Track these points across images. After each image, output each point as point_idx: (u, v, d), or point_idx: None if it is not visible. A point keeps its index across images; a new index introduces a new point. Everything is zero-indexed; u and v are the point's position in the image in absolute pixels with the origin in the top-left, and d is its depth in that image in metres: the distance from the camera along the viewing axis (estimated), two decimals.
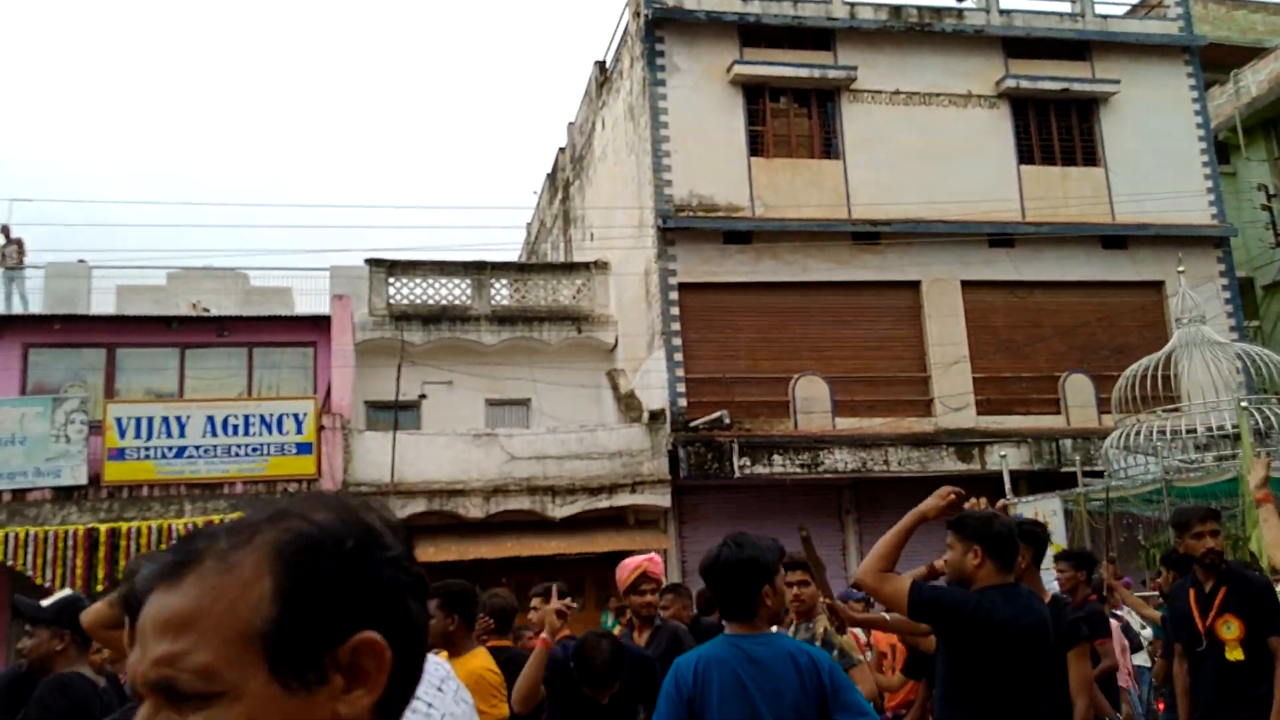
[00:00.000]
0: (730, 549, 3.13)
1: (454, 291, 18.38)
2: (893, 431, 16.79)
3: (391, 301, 17.89)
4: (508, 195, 69.25)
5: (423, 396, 17.60)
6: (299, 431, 15.19)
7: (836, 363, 17.11)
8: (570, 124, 24.04)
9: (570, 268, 19.95)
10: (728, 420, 16.12)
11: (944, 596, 3.57)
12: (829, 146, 18.12)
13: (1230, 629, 5.29)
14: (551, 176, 25.85)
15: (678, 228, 16.96)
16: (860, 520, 16.89)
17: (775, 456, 16.10)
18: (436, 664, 2.80)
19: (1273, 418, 12.60)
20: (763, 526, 16.58)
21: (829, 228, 17.34)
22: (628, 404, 17.20)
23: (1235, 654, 5.23)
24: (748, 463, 15.93)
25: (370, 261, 17.97)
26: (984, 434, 16.93)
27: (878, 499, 17.10)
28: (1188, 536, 5.51)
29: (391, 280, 18.01)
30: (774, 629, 3.57)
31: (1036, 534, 4.96)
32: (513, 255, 30.20)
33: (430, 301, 18.21)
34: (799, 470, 16.17)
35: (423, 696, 2.59)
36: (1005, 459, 15.25)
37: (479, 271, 18.55)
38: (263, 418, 15.19)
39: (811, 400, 16.80)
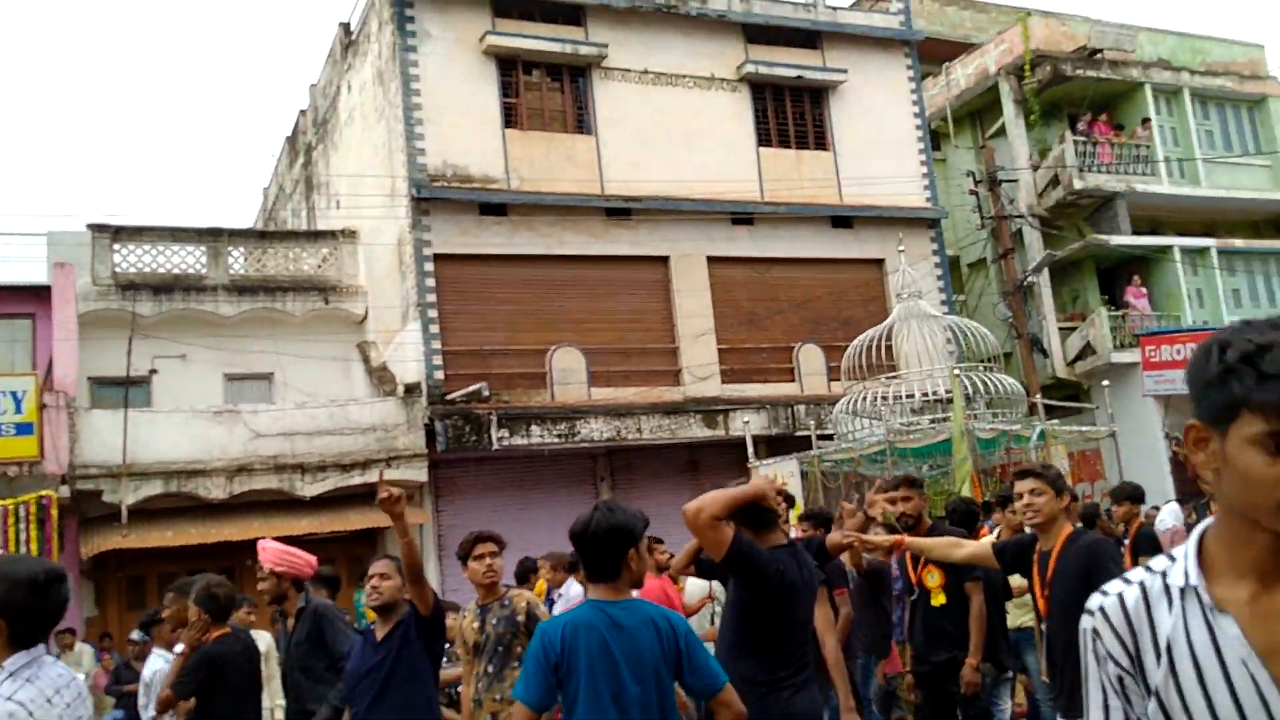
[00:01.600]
0: (603, 513, 3.27)
1: (187, 260, 17.37)
2: (645, 401, 17.38)
3: (118, 270, 16.70)
4: (244, 158, 65.51)
5: (153, 371, 16.58)
6: (18, 411, 13.96)
7: (592, 334, 17.51)
8: (312, 86, 23.11)
9: (315, 236, 19.28)
10: (486, 392, 16.18)
11: (757, 553, 3.82)
12: (582, 122, 18.40)
13: (933, 578, 5.97)
14: (292, 140, 24.77)
15: (432, 198, 16.75)
16: (615, 487, 17.41)
17: (533, 427, 16.33)
18: (61, 674, 2.81)
19: (979, 383, 13.98)
20: (522, 497, 16.86)
21: (583, 202, 17.64)
22: (380, 377, 16.90)
23: (939, 599, 5.92)
24: (506, 434, 16.07)
25: (93, 227, 16.68)
26: (728, 401, 17.83)
27: (630, 465, 17.70)
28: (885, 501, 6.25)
29: (117, 247, 16.81)
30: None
31: (788, 494, 5.41)
32: (248, 222, 28.77)
33: (161, 270, 17.13)
34: (556, 440, 16.47)
35: (26, 704, 2.62)
36: (747, 425, 16.15)
37: (214, 238, 17.61)
38: None
39: (568, 371, 17.12)
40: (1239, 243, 22.83)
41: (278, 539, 14.85)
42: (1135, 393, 18.96)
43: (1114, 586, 1.60)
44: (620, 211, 18.03)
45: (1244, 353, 1.43)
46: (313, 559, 5.70)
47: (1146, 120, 22.28)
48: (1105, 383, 16.21)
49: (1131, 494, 8.91)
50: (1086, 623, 1.61)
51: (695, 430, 17.45)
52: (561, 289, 17.60)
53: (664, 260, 18.34)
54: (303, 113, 23.81)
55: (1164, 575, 1.56)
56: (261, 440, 15.26)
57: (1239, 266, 22.77)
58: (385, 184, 17.60)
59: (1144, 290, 21.44)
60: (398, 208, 17.19)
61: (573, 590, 7.69)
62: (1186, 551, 1.55)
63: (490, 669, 4.86)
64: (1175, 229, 22.70)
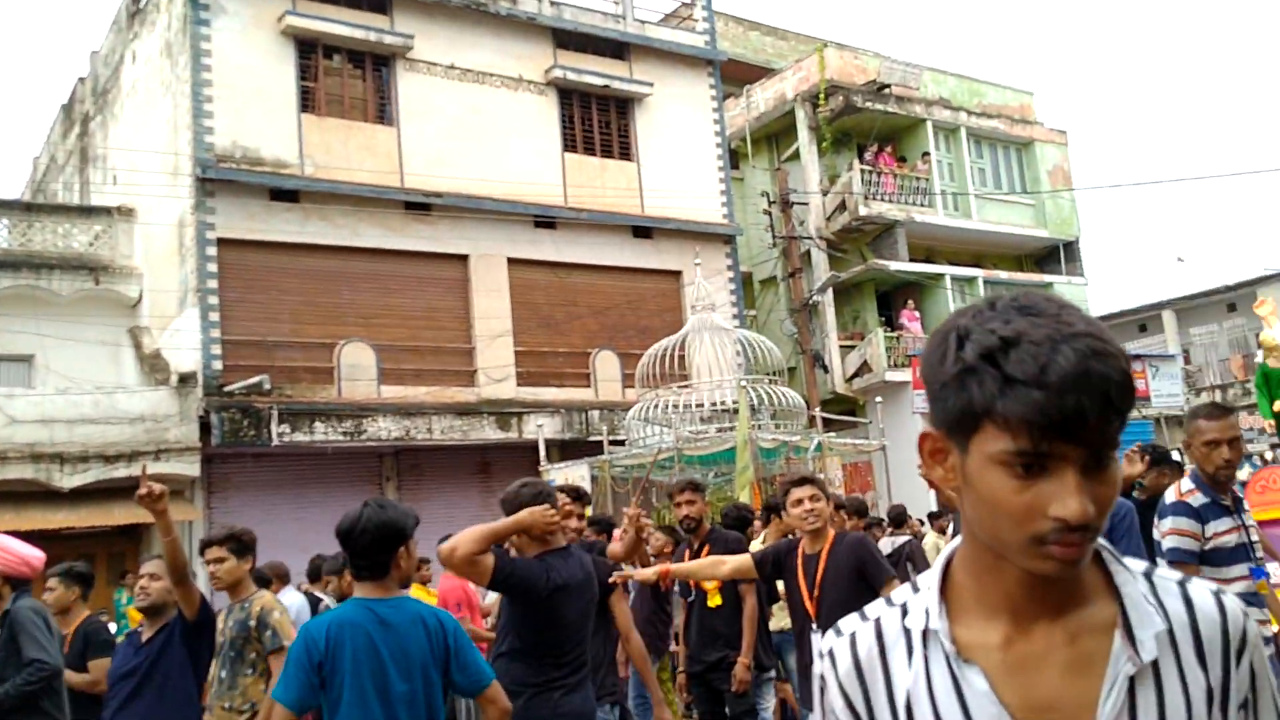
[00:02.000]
0: (373, 510, 3.22)
1: None
2: (437, 400, 17.11)
3: None
4: (13, 124, 60.42)
5: None
6: None
7: (384, 330, 17.09)
8: (94, 53, 21.63)
9: (87, 211, 18.06)
10: (268, 385, 15.52)
11: (520, 571, 3.86)
12: (383, 112, 17.97)
13: (710, 580, 6.18)
14: (68, 108, 23.08)
15: (219, 179, 15.95)
16: (400, 487, 17.05)
17: (317, 424, 15.78)
18: None
19: (764, 395, 14.51)
20: (302, 496, 16.25)
21: (381, 194, 17.22)
22: (153, 365, 15.95)
23: (715, 600, 6.13)
24: (287, 430, 15.46)
25: None
26: (523, 404, 17.79)
27: (419, 466, 17.38)
28: (672, 504, 6.45)
29: None
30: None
31: (581, 492, 5.37)
32: (14, 193, 26.61)
33: None
34: (342, 438, 15.98)
35: None
36: (541, 428, 16.19)
37: None
38: None
39: (357, 368, 16.65)
40: (1003, 274, 24.62)
41: (32, 532, 13.82)
42: (906, 410, 20.10)
43: (848, 624, 1.30)
44: (420, 206, 17.71)
45: (985, 348, 1.13)
46: (35, 557, 5.07)
47: (926, 154, 23.72)
48: (879, 399, 17.12)
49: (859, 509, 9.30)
50: (816, 667, 1.32)
51: (488, 432, 17.32)
52: (354, 282, 17.11)
53: (464, 259, 18.14)
54: (81, 80, 22.24)
55: (902, 611, 1.25)
56: (17, 426, 14.13)
57: None
58: (168, 162, 16.64)
59: (917, 314, 22.79)
60: (180, 187, 16.29)
61: (288, 599, 7.49)
62: (929, 583, 1.25)
63: (223, 674, 4.58)
64: (947, 258, 24.25)
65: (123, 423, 14.71)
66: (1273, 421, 10.78)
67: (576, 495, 5.60)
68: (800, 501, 4.80)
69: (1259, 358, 11.30)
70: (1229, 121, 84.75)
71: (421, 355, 17.51)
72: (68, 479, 14.25)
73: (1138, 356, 22.82)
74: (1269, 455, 9.92)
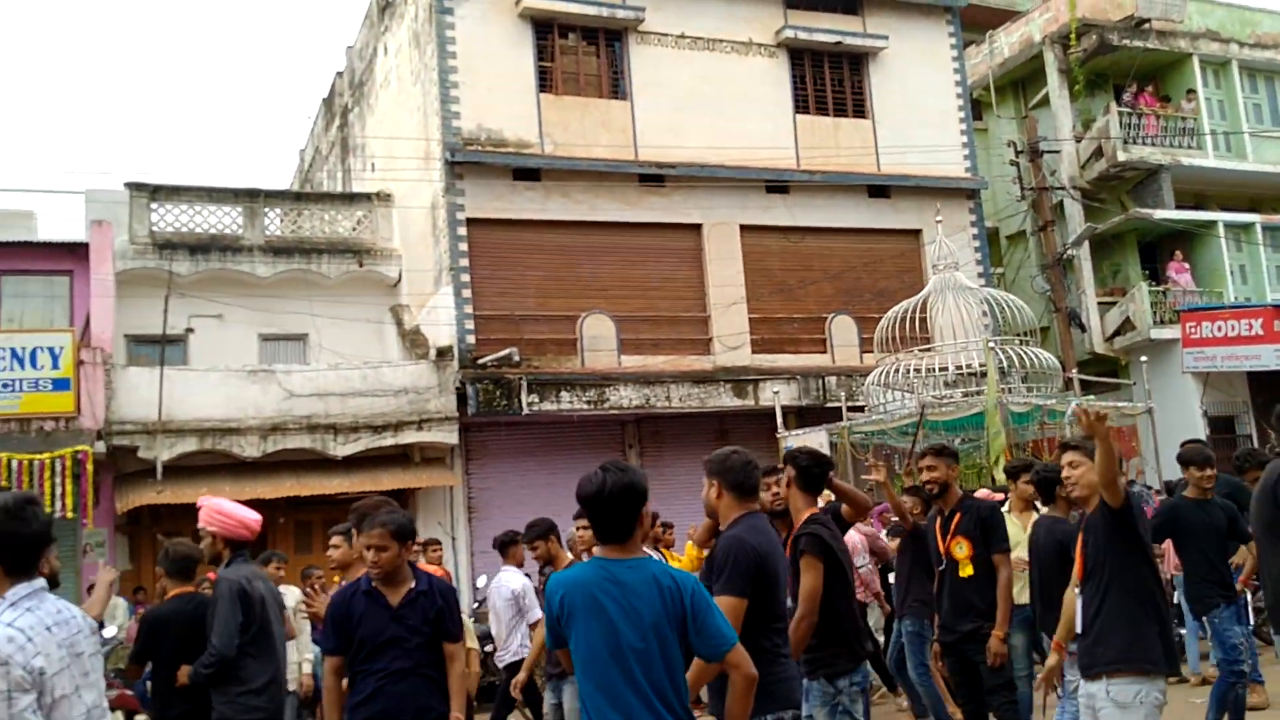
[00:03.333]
0: (615, 474, 3.28)
1: (224, 220, 17.45)
2: (675, 369, 17.34)
3: (155, 229, 16.81)
4: (280, 120, 65.82)
5: (189, 330, 16.74)
6: (55, 366, 14.15)
7: (622, 302, 17.47)
8: (349, 48, 23.10)
9: (350, 198, 19.31)
10: (517, 358, 16.21)
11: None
12: (617, 87, 18.27)
13: (961, 549, 5.95)
14: (328, 102, 24.81)
15: (466, 161, 16.72)
16: (643, 454, 17.42)
17: (563, 393, 16.34)
18: (62, 609, 2.96)
19: (1014, 356, 13.82)
20: (550, 462, 16.92)
21: (616, 168, 17.54)
22: (413, 340, 16.96)
23: (966, 570, 5.90)
24: (536, 399, 16.10)
25: (131, 185, 16.79)
26: (758, 371, 17.76)
27: (659, 433, 17.69)
28: (917, 471, 6.23)
29: (155, 206, 16.92)
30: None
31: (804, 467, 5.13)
32: (285, 183, 28.90)
33: (198, 230, 17.23)
34: (586, 407, 16.49)
35: (25, 630, 2.79)
36: (778, 395, 16.08)
37: (251, 199, 17.68)
38: (14, 351, 14.05)
39: (598, 338, 17.11)
40: None
41: (311, 498, 15.05)
42: (1174, 369, 18.69)
43: None
44: (654, 178, 17.92)
45: None
46: (253, 519, 5.35)
47: (1192, 92, 21.80)
48: (1144, 359, 15.98)
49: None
50: None
51: (725, 399, 17.40)
52: (593, 255, 17.55)
53: (697, 228, 18.23)
54: (339, 75, 23.83)
55: None
56: (295, 400, 15.39)
57: None
58: (420, 147, 17.59)
59: (1186, 266, 21.07)
60: (432, 171, 17.18)
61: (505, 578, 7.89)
62: None
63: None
64: (1219, 204, 22.26)
65: (388, 395, 15.75)
66: None
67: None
68: (1062, 468, 4.56)
69: None
70: None
71: (658, 325, 17.78)
72: (341, 448, 15.41)
73: None
74: None
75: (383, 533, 4.44)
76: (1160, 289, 20.46)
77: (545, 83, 17.69)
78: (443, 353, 16.16)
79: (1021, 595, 6.73)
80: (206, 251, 16.93)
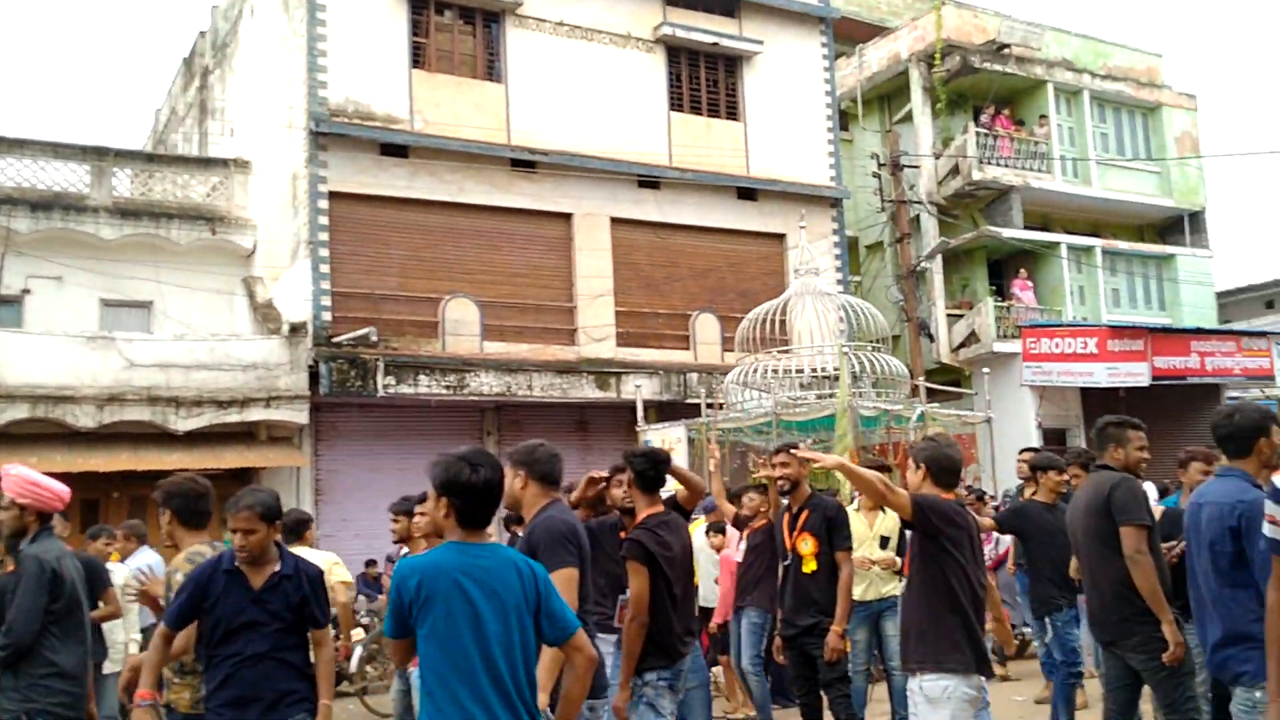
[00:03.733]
0: (488, 463, 3.31)
1: (69, 177, 16.57)
2: (538, 358, 17.25)
3: None
4: (136, 77, 62.62)
5: (26, 291, 15.85)
6: None
7: (487, 287, 17.27)
8: (214, 7, 22.17)
9: (206, 163, 18.57)
10: (375, 338, 15.84)
11: None
12: (492, 69, 18.03)
13: (807, 545, 6.10)
14: (188, 62, 23.74)
15: (331, 133, 16.24)
16: (501, 441, 17.26)
17: (421, 377, 16.06)
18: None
19: (866, 362, 14.24)
20: (404, 446, 16.62)
21: (487, 150, 17.32)
22: (265, 314, 16.40)
23: (810, 566, 6.05)
24: (393, 382, 15.77)
25: None
26: (621, 365, 17.82)
27: (518, 422, 17.57)
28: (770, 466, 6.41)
29: None
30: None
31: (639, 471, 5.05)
32: (137, 144, 27.57)
33: (40, 186, 16.31)
34: (445, 391, 16.24)
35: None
36: (639, 389, 16.17)
37: (99, 157, 16.82)
38: None
39: (461, 323, 16.87)
40: (1123, 244, 23.69)
41: (147, 473, 14.38)
42: (1014, 382, 19.57)
43: None
44: (525, 163, 17.77)
45: None
46: (64, 491, 5.04)
47: (1044, 118, 22.86)
48: (986, 370, 16.67)
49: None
50: None
51: (587, 391, 17.41)
52: (459, 238, 17.30)
53: (567, 217, 18.18)
54: (202, 34, 22.84)
55: None
56: (136, 370, 14.69)
57: (1120, 267, 23.64)
58: (284, 115, 17.00)
59: (1030, 284, 22.09)
60: (294, 141, 16.64)
61: (143, 559, 7.47)
62: None
63: None
64: (1064, 226, 23.42)
65: (236, 369, 15.18)
66: None
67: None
68: None
69: None
70: None
71: (523, 312, 17.65)
72: (182, 422, 14.78)
73: (1263, 334, 21.79)
74: None
75: (250, 515, 4.26)
76: (1005, 305, 21.39)
77: (419, 59, 17.33)
78: (296, 329, 15.67)
79: (868, 593, 6.95)
80: (48, 209, 16.04)
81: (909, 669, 4.43)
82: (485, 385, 16.55)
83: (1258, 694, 3.57)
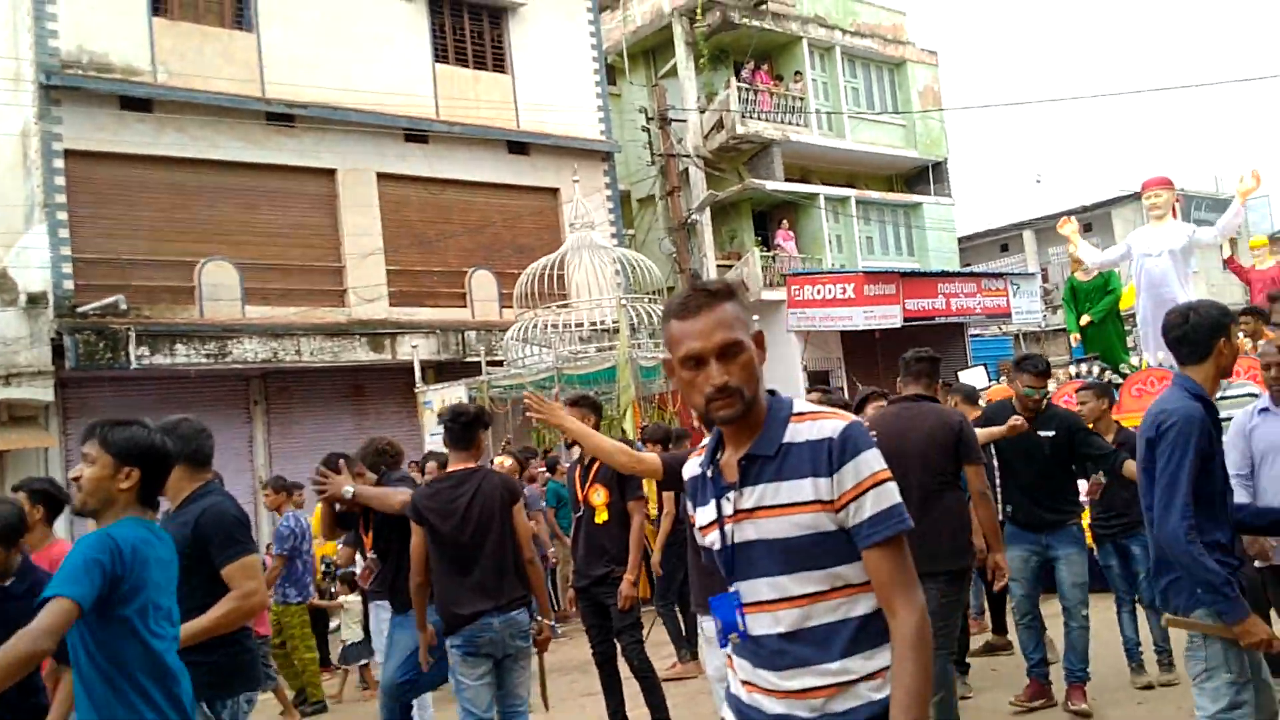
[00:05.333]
0: (173, 438, 3.20)
1: None
2: (305, 321, 16.55)
3: None
4: None
5: None
6: None
7: (248, 248, 16.36)
8: None
9: None
10: (124, 306, 14.73)
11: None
12: (241, 17, 16.96)
13: (599, 496, 6.16)
14: None
15: (64, 86, 14.87)
16: (269, 411, 16.55)
17: (179, 346, 15.09)
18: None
19: (644, 314, 14.50)
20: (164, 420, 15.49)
21: (240, 104, 16.33)
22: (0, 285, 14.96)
23: (601, 516, 6.12)
24: (147, 352, 14.75)
25: None
26: (396, 325, 17.37)
27: (288, 389, 16.87)
28: None
29: None
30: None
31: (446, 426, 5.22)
32: None
33: None
34: (205, 360, 15.34)
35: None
36: (416, 349, 15.88)
37: None
38: None
39: (220, 287, 15.93)
40: (875, 194, 25.05)
41: None
42: (780, 327, 20.39)
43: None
44: (283, 117, 16.90)
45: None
46: None
47: (799, 73, 23.77)
48: (756, 318, 17.21)
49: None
50: None
51: (360, 354, 16.89)
52: (215, 197, 16.28)
53: (330, 173, 17.45)
54: None
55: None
56: None
57: (873, 216, 25.02)
58: (9, 67, 15.43)
59: (792, 234, 23.04)
60: (22, 95, 15.14)
61: None
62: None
63: None
64: (821, 178, 24.52)
65: None
66: (1078, 335, 10.89)
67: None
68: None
69: (1032, 267, 11.74)
70: (1089, 46, 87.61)
71: (289, 274, 16.88)
72: None
73: (1000, 275, 23.63)
74: (1093, 369, 10.31)
75: None
76: (770, 254, 22.24)
77: (159, 6, 16.09)
78: (35, 299, 14.38)
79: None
80: None
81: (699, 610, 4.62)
82: (250, 352, 15.76)
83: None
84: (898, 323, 20.15)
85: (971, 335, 22.74)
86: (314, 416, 16.86)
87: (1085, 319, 10.63)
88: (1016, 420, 5.81)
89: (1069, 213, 29.51)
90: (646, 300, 14.90)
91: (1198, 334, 3.40)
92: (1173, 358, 3.62)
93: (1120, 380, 9.95)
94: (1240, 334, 9.13)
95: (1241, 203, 9.02)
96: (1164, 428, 3.30)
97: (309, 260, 17.17)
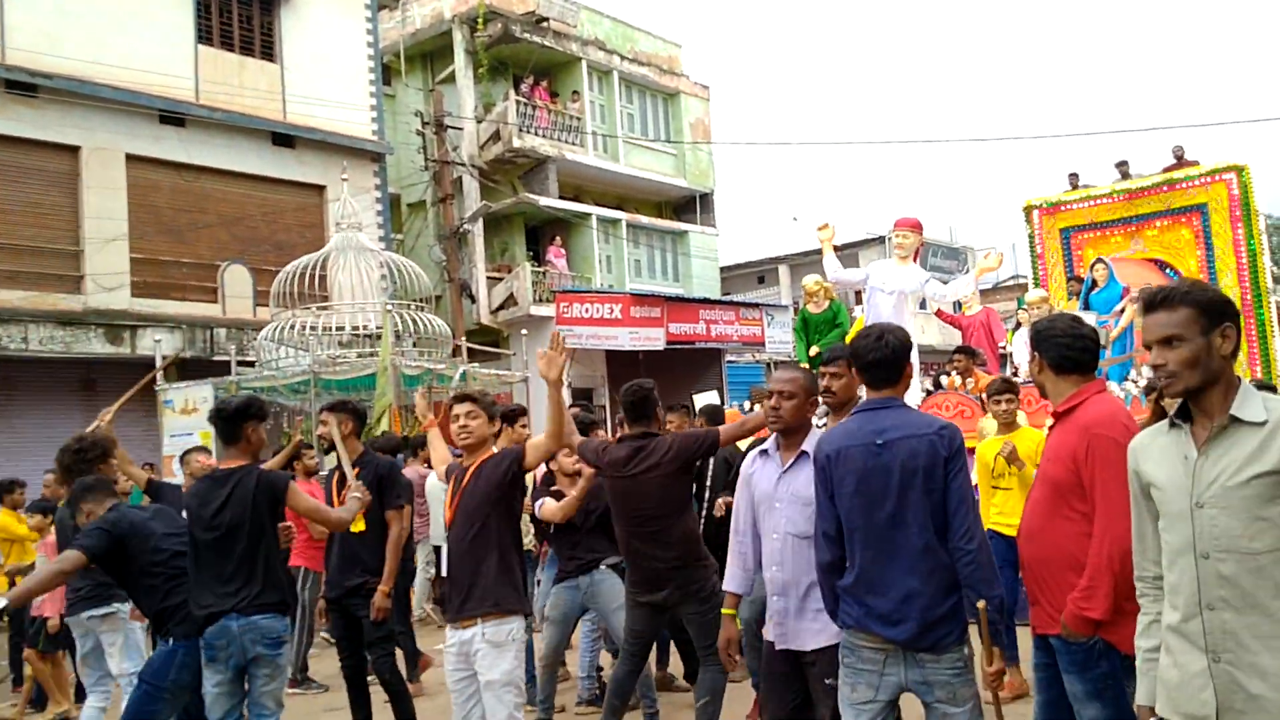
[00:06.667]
0: None
1: None
2: (35, 307, 15.22)
3: None
4: None
5: None
6: None
7: None
8: None
9: None
10: None
11: None
12: None
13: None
14: None
15: None
16: None
17: None
18: None
19: (409, 321, 14.23)
20: None
21: None
22: None
23: (359, 525, 5.89)
24: None
25: None
26: (138, 317, 16.26)
27: (11, 379, 15.47)
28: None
29: None
30: None
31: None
32: None
33: None
34: None
35: None
36: (159, 344, 14.92)
37: None
38: None
39: None
40: (644, 219, 25.66)
41: None
42: (546, 344, 20.51)
43: None
44: (25, 86, 15.53)
45: None
46: None
47: (578, 93, 24.08)
48: (524, 332, 17.36)
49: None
50: None
51: (96, 346, 15.69)
52: None
53: (74, 150, 16.16)
54: None
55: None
56: None
57: (642, 240, 25.62)
58: None
59: (563, 251, 23.25)
60: None
61: None
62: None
63: None
64: (594, 199, 24.88)
65: None
66: (806, 365, 11.25)
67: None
68: (458, 417, 4.76)
69: (800, 303, 12.13)
70: (850, 94, 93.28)
71: (18, 255, 15.49)
72: None
73: (756, 305, 24.72)
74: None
75: None
76: (541, 270, 22.34)
77: None
78: None
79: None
80: None
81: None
82: None
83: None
84: (661, 345, 20.71)
85: (728, 361, 23.66)
86: (39, 411, 15.50)
87: (814, 350, 10.91)
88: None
89: (812, 253, 31.33)
90: (413, 307, 14.62)
91: (896, 357, 3.46)
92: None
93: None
94: (952, 371, 9.93)
95: (977, 277, 9.57)
96: (959, 445, 3.33)
97: (42, 241, 15.83)
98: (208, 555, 4.67)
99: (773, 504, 3.90)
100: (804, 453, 3.87)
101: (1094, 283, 12.06)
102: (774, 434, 4.03)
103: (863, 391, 3.77)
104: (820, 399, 4.06)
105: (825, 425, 4.63)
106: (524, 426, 6.98)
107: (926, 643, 3.24)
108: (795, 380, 3.96)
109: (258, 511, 4.71)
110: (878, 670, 3.31)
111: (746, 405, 12.91)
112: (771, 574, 3.87)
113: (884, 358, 3.46)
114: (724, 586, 4.17)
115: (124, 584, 5.02)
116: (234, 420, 4.81)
